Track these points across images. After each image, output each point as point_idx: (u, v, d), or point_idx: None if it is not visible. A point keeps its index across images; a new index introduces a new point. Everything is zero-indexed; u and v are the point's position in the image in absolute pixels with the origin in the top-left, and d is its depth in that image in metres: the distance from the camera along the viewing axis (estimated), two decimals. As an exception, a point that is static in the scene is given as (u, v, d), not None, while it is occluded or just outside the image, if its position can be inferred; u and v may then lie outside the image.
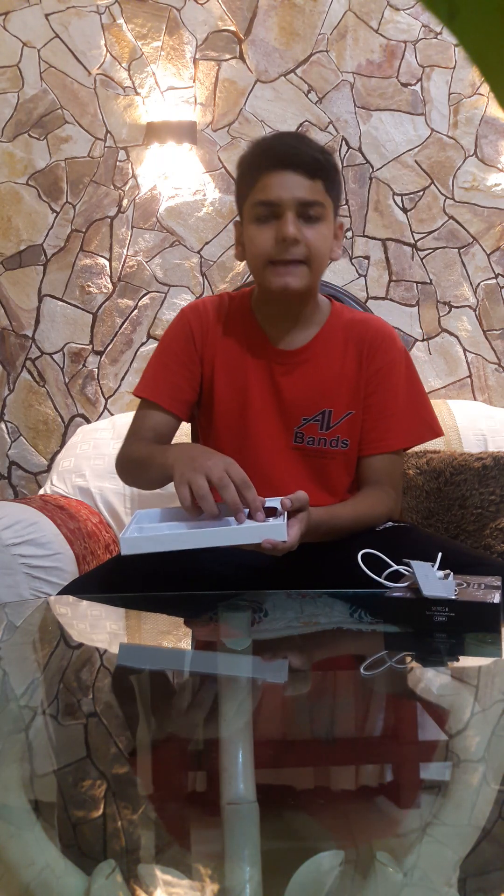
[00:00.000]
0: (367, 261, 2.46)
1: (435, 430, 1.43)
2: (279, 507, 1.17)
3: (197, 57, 2.42)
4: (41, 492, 2.20)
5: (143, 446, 1.37)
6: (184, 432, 1.69)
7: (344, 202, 1.40)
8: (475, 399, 2.48)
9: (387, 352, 1.39)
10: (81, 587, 1.31)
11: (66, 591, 1.32)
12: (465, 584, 1.06)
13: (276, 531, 1.11)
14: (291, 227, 1.27)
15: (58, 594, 1.33)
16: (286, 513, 1.16)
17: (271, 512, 1.18)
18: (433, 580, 1.02)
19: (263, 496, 1.38)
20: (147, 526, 1.20)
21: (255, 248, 1.31)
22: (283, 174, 1.28)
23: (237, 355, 1.40)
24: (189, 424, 1.57)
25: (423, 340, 2.48)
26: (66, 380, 2.46)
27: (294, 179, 1.28)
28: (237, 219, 1.39)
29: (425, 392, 1.45)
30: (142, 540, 1.12)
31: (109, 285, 2.45)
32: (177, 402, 1.39)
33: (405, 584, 1.05)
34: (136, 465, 1.37)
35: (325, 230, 1.31)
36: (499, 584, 1.07)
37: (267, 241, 1.29)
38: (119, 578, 1.29)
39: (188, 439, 1.77)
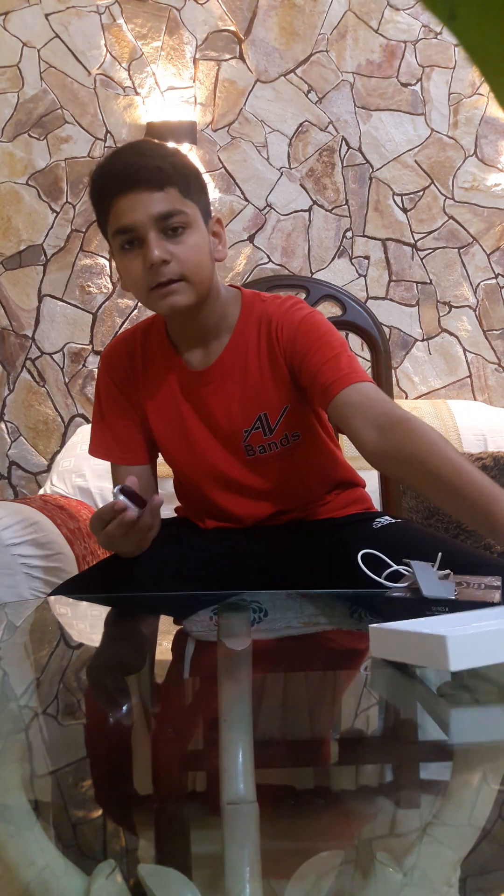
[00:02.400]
0: (367, 261, 2.46)
1: (367, 376, 1.26)
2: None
3: (197, 57, 2.42)
4: (41, 492, 2.20)
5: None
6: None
7: (211, 203, 1.33)
8: (475, 399, 2.48)
9: (291, 319, 1.30)
10: (76, 586, 1.31)
11: (60, 590, 1.32)
12: (465, 584, 1.06)
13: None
14: (155, 249, 1.19)
15: (51, 593, 1.33)
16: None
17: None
18: (433, 580, 1.02)
19: (249, 514, 1.37)
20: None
21: (130, 279, 1.24)
22: (130, 195, 1.20)
23: (163, 389, 1.35)
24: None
25: (423, 340, 2.48)
26: (66, 380, 2.46)
27: (142, 197, 1.20)
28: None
29: (346, 343, 1.31)
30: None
31: (109, 285, 2.45)
32: (131, 453, 1.37)
33: (405, 584, 1.05)
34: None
35: (195, 237, 1.23)
36: (499, 584, 1.07)
37: (137, 269, 1.22)
38: (115, 577, 1.29)
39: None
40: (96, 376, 1.43)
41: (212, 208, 1.35)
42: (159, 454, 1.44)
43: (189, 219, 1.23)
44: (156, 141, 1.31)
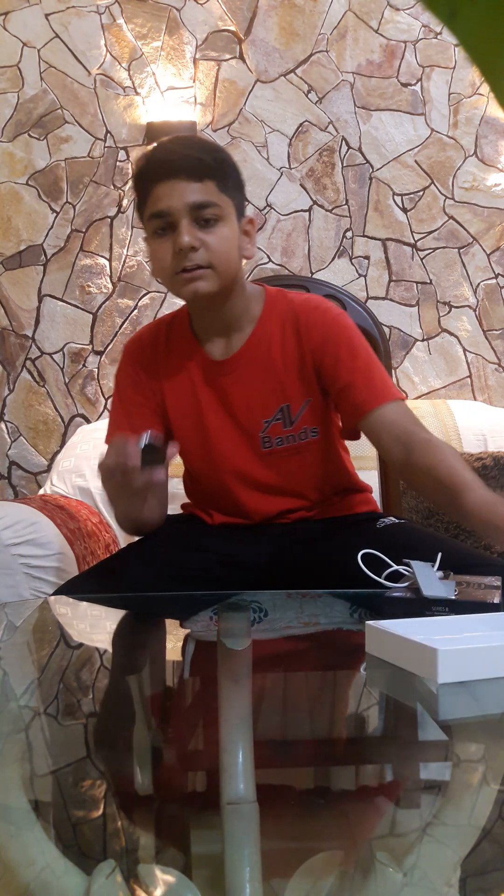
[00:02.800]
0: (367, 261, 2.46)
1: (398, 392, 1.34)
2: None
3: (197, 57, 2.42)
4: (41, 492, 2.20)
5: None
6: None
7: (246, 201, 1.35)
8: (475, 399, 2.48)
9: (320, 321, 1.34)
10: (78, 586, 1.31)
11: (62, 590, 1.32)
12: (465, 584, 1.06)
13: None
14: (186, 235, 1.24)
15: (54, 593, 1.33)
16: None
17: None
18: (433, 580, 1.02)
19: (257, 510, 1.39)
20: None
21: (158, 263, 1.29)
22: (169, 182, 1.25)
23: (183, 379, 1.38)
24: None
25: (423, 340, 2.48)
26: (66, 380, 2.46)
27: (180, 185, 1.25)
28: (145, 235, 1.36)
29: (374, 354, 1.37)
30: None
31: (109, 285, 2.45)
32: (142, 430, 1.38)
33: (405, 585, 1.05)
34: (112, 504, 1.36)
35: (226, 230, 1.27)
36: (499, 584, 1.07)
37: (167, 253, 1.26)
38: (116, 578, 1.29)
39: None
40: (118, 366, 1.45)
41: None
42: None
43: (222, 212, 1.27)
44: (205, 137, 1.35)
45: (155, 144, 1.33)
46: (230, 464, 1.37)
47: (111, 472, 1.16)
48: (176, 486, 2.14)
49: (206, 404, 1.36)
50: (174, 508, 1.87)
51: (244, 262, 1.36)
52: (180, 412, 1.38)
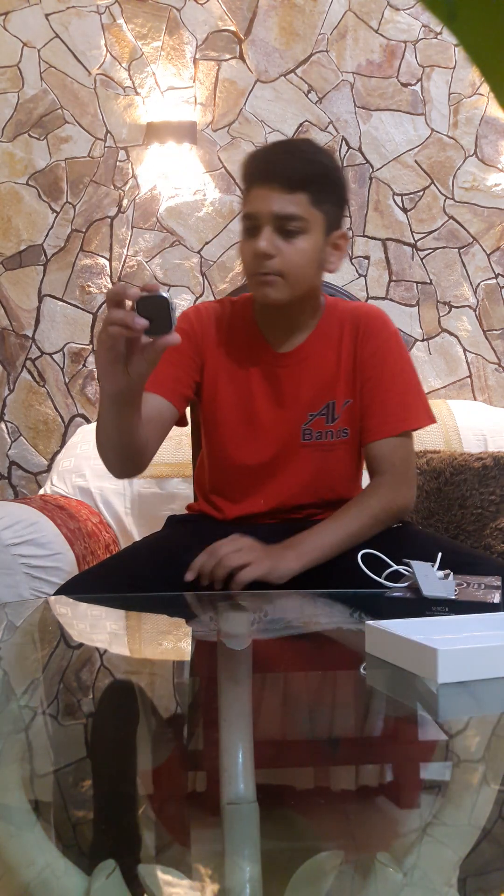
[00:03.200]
0: (367, 261, 2.46)
1: (429, 416, 1.42)
2: None
3: (197, 57, 2.42)
4: (41, 492, 2.20)
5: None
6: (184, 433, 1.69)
7: (347, 213, 1.36)
8: (475, 399, 2.48)
9: (379, 333, 1.40)
10: (79, 585, 1.30)
11: (63, 589, 1.32)
12: (465, 584, 1.06)
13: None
14: (263, 241, 1.28)
15: (56, 592, 1.33)
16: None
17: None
18: (433, 580, 1.02)
19: (270, 496, 1.39)
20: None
21: (243, 261, 1.35)
22: (264, 188, 1.30)
23: (239, 361, 1.41)
24: (184, 429, 1.55)
25: (423, 340, 2.48)
26: (67, 380, 2.46)
27: (271, 193, 1.29)
28: None
29: (418, 378, 1.45)
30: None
31: (109, 285, 2.45)
32: (176, 394, 1.38)
33: (405, 585, 1.05)
34: (99, 426, 1.28)
35: (306, 244, 1.30)
36: (499, 584, 1.07)
37: (249, 254, 1.32)
38: (118, 577, 1.29)
39: (187, 440, 1.77)
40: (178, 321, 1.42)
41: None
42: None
43: (307, 226, 1.30)
44: (318, 146, 1.37)
45: (267, 144, 1.36)
46: (269, 451, 1.39)
47: (108, 327, 1.05)
48: (176, 486, 2.14)
49: (259, 392, 1.40)
50: (177, 509, 1.86)
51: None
52: (231, 393, 1.40)
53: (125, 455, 1.29)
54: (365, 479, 1.50)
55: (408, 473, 1.39)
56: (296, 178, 1.28)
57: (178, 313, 1.06)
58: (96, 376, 1.21)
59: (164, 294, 1.03)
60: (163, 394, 1.36)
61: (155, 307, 1.02)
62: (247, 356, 1.41)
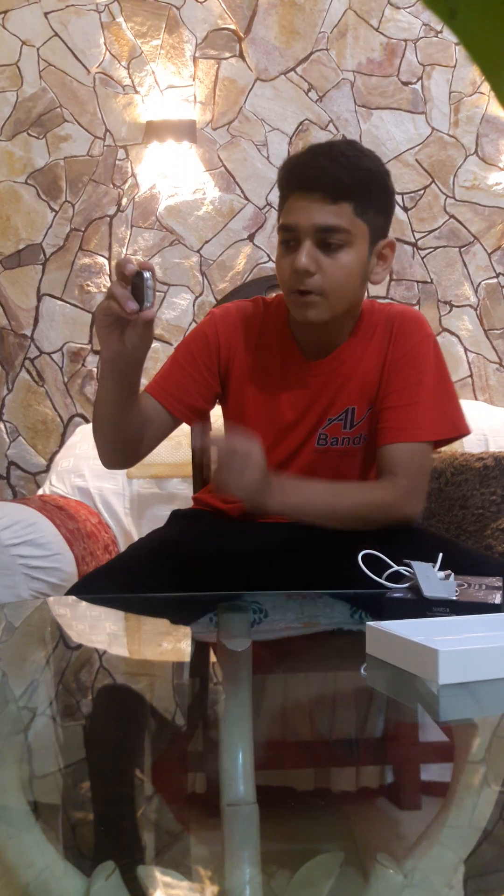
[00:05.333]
0: (367, 260, 2.46)
1: (460, 429, 1.33)
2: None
3: (197, 55, 2.42)
4: (40, 492, 2.20)
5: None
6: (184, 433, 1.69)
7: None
8: (476, 399, 2.48)
9: (412, 334, 1.32)
10: (89, 585, 1.29)
11: (74, 590, 1.31)
12: (465, 585, 1.06)
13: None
14: (304, 258, 1.20)
15: (67, 593, 1.32)
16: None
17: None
18: (434, 581, 1.02)
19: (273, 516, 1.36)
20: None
21: (280, 276, 1.27)
22: (304, 198, 1.21)
23: (269, 369, 1.35)
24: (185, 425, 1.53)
25: (423, 339, 2.48)
26: (66, 379, 2.46)
27: (313, 204, 1.20)
28: None
29: (453, 387, 1.36)
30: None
31: (109, 284, 2.45)
32: (179, 404, 1.34)
33: (406, 585, 1.05)
34: (97, 400, 1.28)
35: (350, 258, 1.22)
36: (499, 584, 1.07)
37: (286, 269, 1.23)
38: (130, 574, 1.28)
39: (187, 440, 1.77)
40: (198, 324, 1.40)
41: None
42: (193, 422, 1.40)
43: (350, 238, 1.22)
44: (363, 148, 1.27)
45: (305, 148, 1.26)
46: (284, 454, 1.36)
47: (108, 303, 1.11)
48: (176, 486, 2.14)
49: (287, 402, 1.34)
50: (177, 506, 1.86)
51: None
52: (258, 405, 1.35)
53: (118, 438, 1.28)
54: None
55: (422, 484, 1.30)
56: (339, 187, 1.19)
57: (151, 290, 1.11)
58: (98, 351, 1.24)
59: (143, 271, 1.10)
60: (162, 400, 1.34)
61: (138, 284, 1.10)
62: (279, 363, 1.35)
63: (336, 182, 1.19)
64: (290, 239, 1.23)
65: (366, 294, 1.37)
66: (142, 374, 1.23)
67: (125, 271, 1.09)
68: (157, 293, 2.44)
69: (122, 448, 1.31)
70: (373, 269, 1.28)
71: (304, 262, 1.20)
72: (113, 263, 2.43)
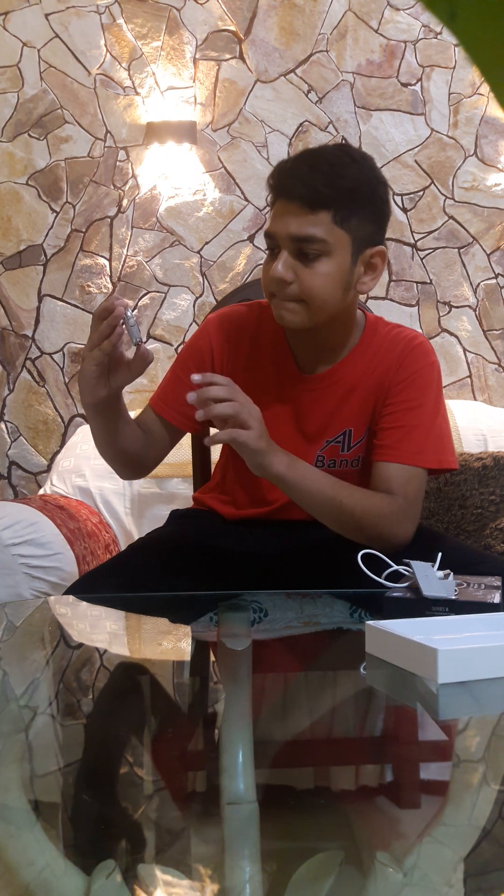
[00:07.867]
0: (367, 261, 2.46)
1: (451, 462, 1.30)
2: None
3: (197, 57, 2.42)
4: (41, 492, 2.20)
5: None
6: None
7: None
8: (475, 399, 2.48)
9: (420, 359, 1.30)
10: (88, 584, 1.30)
11: (72, 589, 1.31)
12: (465, 584, 1.06)
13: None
14: (280, 267, 1.19)
15: (66, 592, 1.32)
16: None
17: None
18: (433, 580, 1.02)
19: (276, 512, 1.36)
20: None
21: (262, 281, 1.27)
22: (284, 204, 1.20)
23: (262, 380, 1.33)
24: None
25: (423, 340, 2.48)
26: (66, 380, 2.46)
27: (291, 212, 1.19)
28: None
29: (448, 422, 1.33)
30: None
31: (109, 285, 2.45)
32: (180, 415, 1.33)
33: (405, 584, 1.05)
34: (93, 437, 1.30)
35: (328, 267, 1.20)
36: (499, 583, 1.07)
37: (266, 276, 1.24)
38: (125, 577, 1.28)
39: (187, 440, 1.77)
40: (194, 332, 1.40)
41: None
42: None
43: (329, 248, 1.20)
44: (354, 155, 1.26)
45: (298, 152, 1.26)
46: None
47: (97, 336, 1.12)
48: (176, 486, 2.14)
49: (280, 416, 1.31)
50: (177, 506, 1.86)
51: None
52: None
53: (122, 461, 1.33)
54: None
55: (416, 510, 1.27)
56: (316, 197, 1.17)
57: (136, 327, 1.12)
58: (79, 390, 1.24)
59: (124, 310, 1.10)
60: (163, 413, 1.34)
61: (122, 324, 1.11)
62: (273, 375, 1.33)
63: (312, 191, 1.18)
64: (272, 246, 1.23)
65: (364, 300, 1.36)
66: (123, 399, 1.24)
67: (115, 313, 1.10)
68: (157, 293, 2.44)
69: (129, 464, 1.34)
70: (359, 278, 1.25)
71: (280, 271, 1.20)
72: (113, 264, 2.43)
